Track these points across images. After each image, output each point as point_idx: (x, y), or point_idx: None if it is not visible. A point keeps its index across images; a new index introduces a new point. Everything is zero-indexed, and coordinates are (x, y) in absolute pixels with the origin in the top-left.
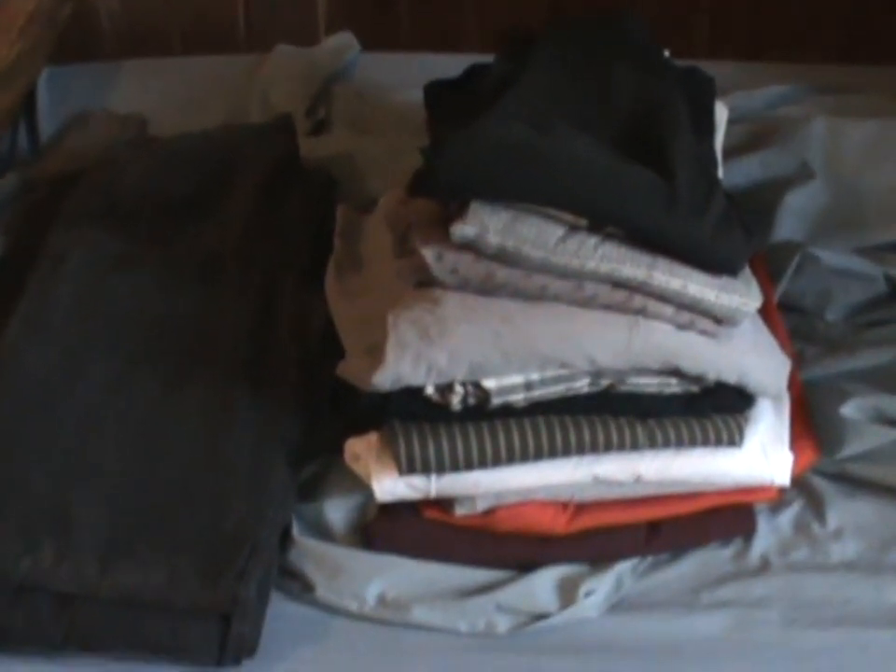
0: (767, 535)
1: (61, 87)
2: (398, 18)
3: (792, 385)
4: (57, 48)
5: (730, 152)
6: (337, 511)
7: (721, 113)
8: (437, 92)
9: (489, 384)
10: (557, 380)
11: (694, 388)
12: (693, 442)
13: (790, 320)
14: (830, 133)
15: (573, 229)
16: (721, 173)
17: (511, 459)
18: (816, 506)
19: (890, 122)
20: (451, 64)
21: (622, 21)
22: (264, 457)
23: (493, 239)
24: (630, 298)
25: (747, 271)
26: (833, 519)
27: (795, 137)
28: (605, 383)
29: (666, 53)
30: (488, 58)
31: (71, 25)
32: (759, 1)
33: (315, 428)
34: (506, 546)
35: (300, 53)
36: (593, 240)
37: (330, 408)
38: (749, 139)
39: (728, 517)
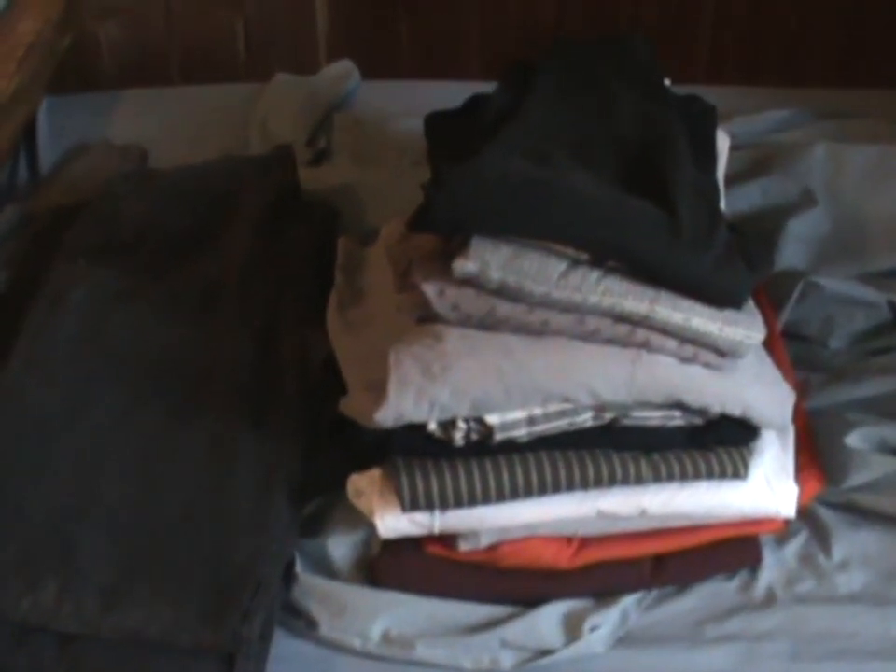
0: (773, 567)
1: (60, 117)
2: (398, 43)
3: (797, 415)
4: (57, 77)
5: (731, 179)
6: (340, 547)
7: (723, 142)
8: (437, 123)
9: (492, 419)
10: (560, 414)
11: (698, 421)
12: (697, 476)
13: (793, 348)
14: (831, 158)
15: (575, 263)
16: (723, 203)
17: (514, 495)
18: (821, 537)
19: (891, 148)
20: (452, 92)
21: (625, 44)
22: (267, 494)
23: (494, 274)
24: (633, 332)
25: (750, 302)
26: (838, 550)
27: (796, 163)
28: (608, 417)
29: (667, 82)
30: (490, 86)
31: (72, 55)
32: (757, 25)
33: (318, 463)
34: (510, 581)
35: (299, 82)
36: (595, 274)
37: (333, 443)
38: (750, 165)
39: (733, 549)
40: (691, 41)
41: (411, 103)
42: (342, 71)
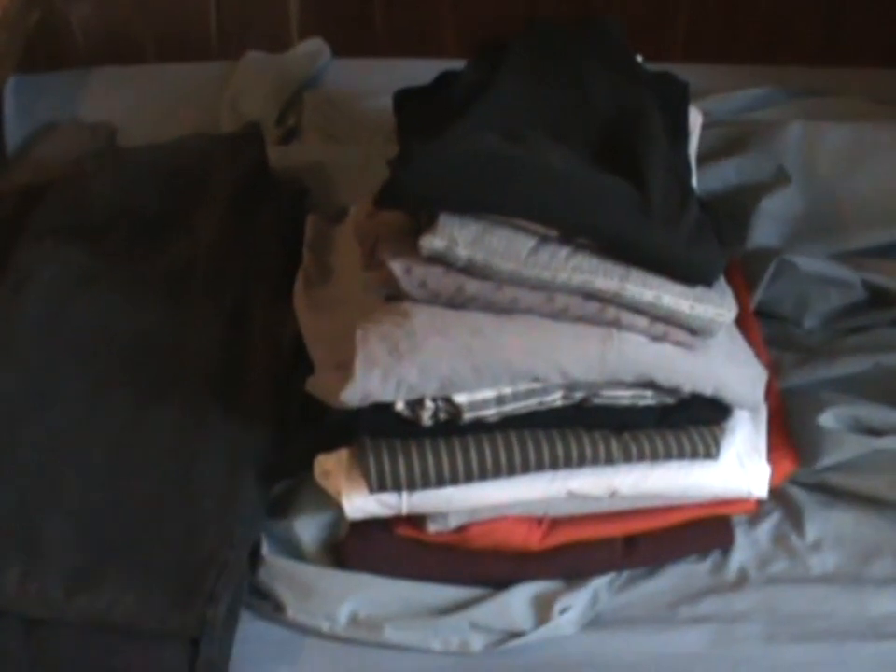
0: (745, 548)
1: (28, 96)
2: (372, 24)
3: (770, 395)
4: (27, 57)
5: (706, 157)
6: (308, 529)
7: (695, 118)
8: (406, 100)
9: (460, 399)
10: (530, 394)
11: (670, 400)
12: (668, 455)
13: (767, 327)
14: (806, 137)
15: (544, 240)
16: (695, 180)
17: (483, 475)
18: (794, 517)
19: (867, 126)
20: (425, 70)
21: (597, 24)
22: (235, 476)
23: (462, 251)
24: (603, 310)
25: (722, 281)
26: (811, 530)
27: (771, 142)
28: (578, 396)
29: (639, 58)
30: (463, 64)
31: (42, 34)
32: (735, 2)
33: (286, 445)
34: (480, 563)
35: (270, 60)
36: (564, 251)
37: (302, 424)
38: (724, 143)
39: (705, 530)
40: (668, 19)
41: (382, 81)
42: (312, 49)
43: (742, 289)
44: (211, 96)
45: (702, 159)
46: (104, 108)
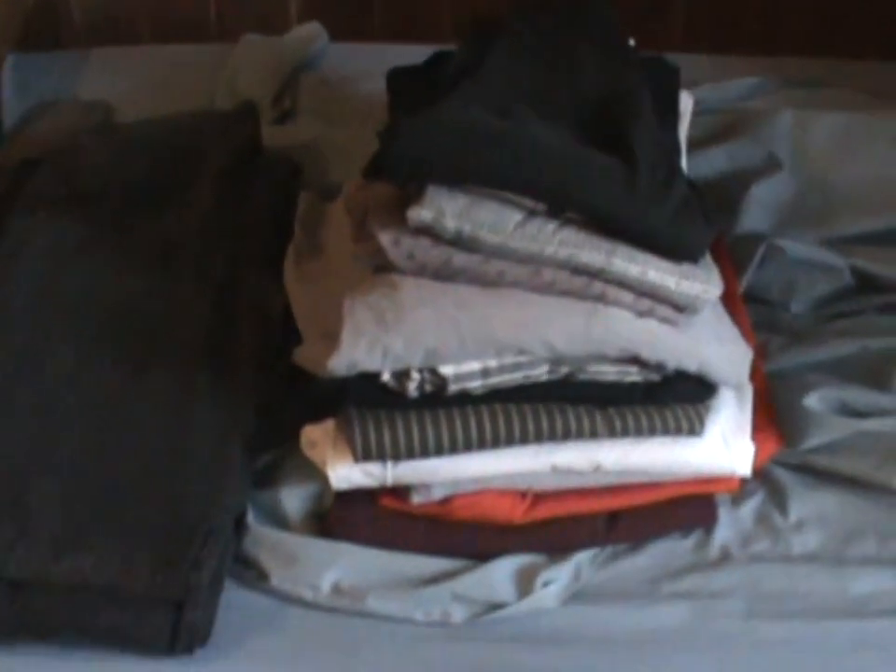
0: (728, 526)
1: (26, 75)
2: (370, 8)
3: (755, 375)
4: (25, 36)
5: (698, 143)
6: (293, 499)
7: (686, 102)
8: (399, 79)
9: (446, 370)
10: (515, 367)
11: (654, 377)
12: (652, 431)
13: (755, 312)
14: (797, 124)
15: (532, 213)
16: (684, 161)
17: (468, 447)
18: (778, 497)
19: (858, 115)
20: (421, 55)
21: (588, 6)
22: (221, 444)
23: (450, 223)
24: (589, 284)
25: (708, 258)
26: (794, 510)
27: (762, 129)
28: (564, 370)
29: (632, 42)
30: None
31: (41, 14)
32: None
33: (273, 415)
34: (463, 535)
35: (267, 42)
36: (551, 225)
37: (289, 395)
38: (716, 130)
39: (689, 508)
40: (667, 9)
41: (379, 65)
42: (310, 32)
43: (730, 273)
44: (208, 78)
45: (693, 145)
46: (101, 88)
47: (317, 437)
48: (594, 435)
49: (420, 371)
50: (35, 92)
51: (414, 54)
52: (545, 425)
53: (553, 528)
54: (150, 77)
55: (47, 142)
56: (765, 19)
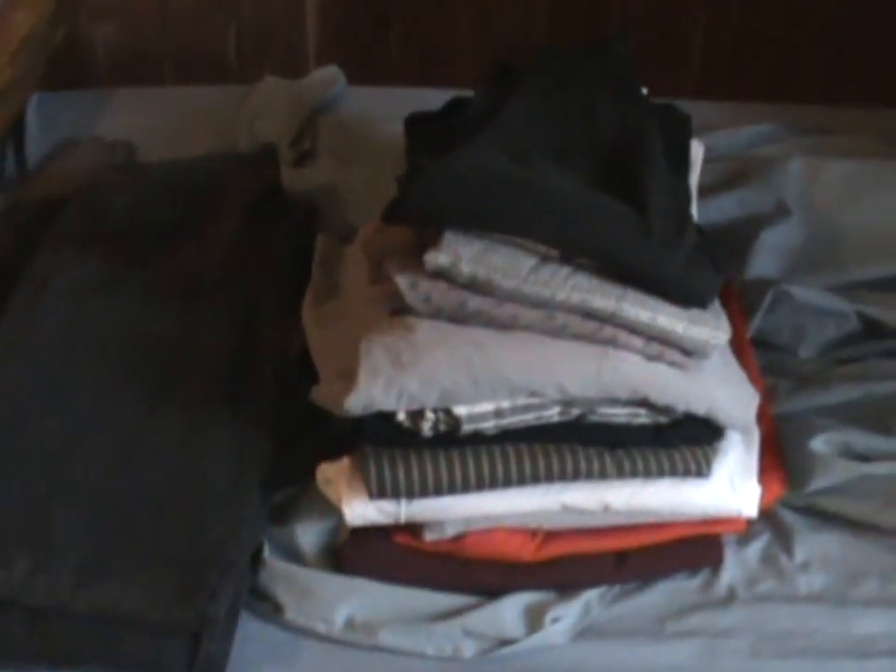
0: (734, 566)
1: (50, 113)
2: (389, 51)
3: (763, 418)
4: (50, 74)
5: (708, 190)
6: (308, 534)
7: (697, 150)
8: (417, 124)
9: (460, 411)
10: (527, 408)
11: (663, 419)
12: (661, 473)
13: (763, 356)
14: (806, 171)
15: (545, 259)
16: (694, 209)
17: (480, 486)
18: (784, 539)
19: (866, 163)
20: (438, 98)
21: (607, 48)
22: (239, 478)
23: (465, 268)
24: (600, 328)
25: (716, 304)
26: (800, 552)
27: (772, 176)
28: (575, 412)
29: (644, 91)
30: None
31: (65, 52)
32: (747, 42)
33: (290, 452)
34: (474, 572)
35: (286, 85)
36: (564, 270)
37: (306, 433)
38: (727, 177)
39: (695, 548)
40: (682, 58)
41: (396, 108)
42: (328, 76)
43: (739, 317)
44: (228, 119)
45: (705, 191)
46: (123, 127)
47: (333, 474)
48: (603, 476)
49: (434, 411)
50: (59, 130)
51: (433, 98)
52: (556, 465)
53: (563, 566)
54: (171, 119)
55: (70, 179)
56: (778, 67)
